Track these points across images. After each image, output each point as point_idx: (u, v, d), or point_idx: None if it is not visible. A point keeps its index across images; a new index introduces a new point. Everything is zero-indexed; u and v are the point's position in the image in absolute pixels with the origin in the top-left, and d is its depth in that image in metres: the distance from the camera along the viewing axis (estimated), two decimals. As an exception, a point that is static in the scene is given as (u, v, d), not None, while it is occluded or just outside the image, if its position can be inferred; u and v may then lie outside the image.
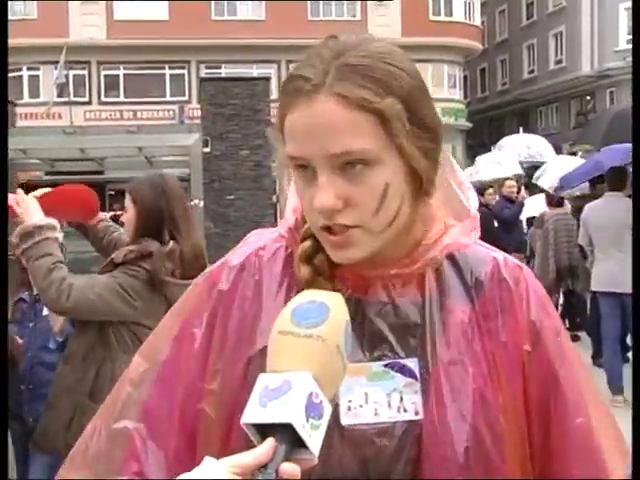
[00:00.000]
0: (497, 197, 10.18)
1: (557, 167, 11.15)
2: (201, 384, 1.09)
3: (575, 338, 8.32)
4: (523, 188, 10.53)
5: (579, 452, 1.09)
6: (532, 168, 13.30)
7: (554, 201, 9.15)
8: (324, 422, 0.86)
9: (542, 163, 12.80)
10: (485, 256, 1.13)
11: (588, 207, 6.65)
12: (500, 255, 1.14)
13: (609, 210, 6.32)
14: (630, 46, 26.42)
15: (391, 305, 1.07)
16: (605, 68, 30.72)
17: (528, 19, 36.54)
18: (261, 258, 1.14)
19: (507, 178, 10.99)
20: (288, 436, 0.84)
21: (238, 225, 14.38)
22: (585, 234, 6.59)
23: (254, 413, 0.85)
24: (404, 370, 1.05)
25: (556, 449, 1.08)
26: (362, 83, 0.97)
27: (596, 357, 7.38)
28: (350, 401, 1.04)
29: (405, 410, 1.03)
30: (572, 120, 32.56)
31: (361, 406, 1.04)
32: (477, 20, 33.19)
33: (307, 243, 1.08)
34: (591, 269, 6.63)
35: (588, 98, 32.33)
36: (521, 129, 17.19)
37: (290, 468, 0.83)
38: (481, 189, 10.53)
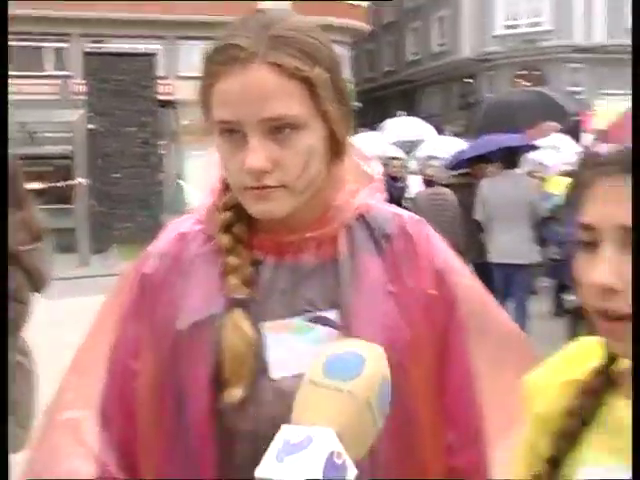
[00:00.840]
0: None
1: (433, 147, 11.47)
2: (134, 365, 1.16)
3: None
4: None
5: (465, 390, 1.21)
6: (413, 148, 13.69)
7: (430, 181, 9.45)
8: None
9: (420, 142, 13.15)
10: (391, 214, 1.23)
11: (484, 183, 6.96)
12: (404, 213, 1.25)
13: (505, 187, 6.69)
14: (508, 31, 27.25)
15: (308, 265, 1.15)
16: (484, 52, 31.78)
17: (414, 2, 37.27)
18: (183, 242, 1.19)
19: (393, 158, 11.29)
20: None
21: (123, 203, 14.13)
22: (483, 209, 6.90)
23: (268, 467, 0.80)
24: (325, 322, 1.12)
25: (448, 385, 1.20)
26: (293, 53, 1.05)
27: None
28: (277, 355, 1.11)
29: None
30: (454, 102, 33.55)
31: (288, 359, 1.10)
32: (363, 2, 33.60)
33: (227, 213, 1.15)
34: (487, 243, 6.95)
35: (470, 81, 33.39)
36: (401, 113, 17.62)
37: None
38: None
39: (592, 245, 0.95)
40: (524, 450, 1.05)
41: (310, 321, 1.13)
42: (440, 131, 14.91)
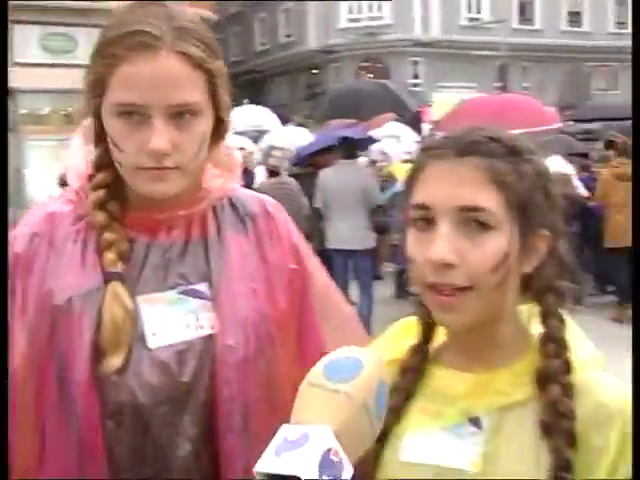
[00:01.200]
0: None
1: (277, 137, 11.46)
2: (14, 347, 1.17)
3: None
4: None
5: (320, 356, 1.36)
6: (259, 138, 13.75)
7: (273, 171, 9.51)
8: None
9: (267, 131, 13.12)
10: (253, 196, 1.36)
11: (323, 173, 7.18)
12: (264, 196, 1.38)
13: (344, 175, 6.94)
14: (351, 24, 27.68)
15: (179, 242, 1.23)
16: (329, 44, 32.36)
17: (259, -7, 37.31)
18: (53, 222, 1.21)
19: (240, 148, 11.30)
20: None
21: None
22: (322, 197, 7.12)
23: (267, 462, 0.82)
24: (196, 294, 1.20)
25: (305, 352, 1.29)
26: (197, 45, 1.14)
27: None
28: (153, 326, 1.17)
29: (202, 327, 1.19)
30: (301, 93, 33.94)
31: (164, 329, 1.17)
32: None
33: (101, 192, 1.20)
34: (326, 230, 7.18)
35: (315, 72, 33.89)
36: (246, 101, 17.58)
37: None
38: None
39: (427, 224, 1.00)
40: None
41: (182, 294, 1.20)
42: (287, 121, 14.94)
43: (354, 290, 7.30)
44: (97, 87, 1.14)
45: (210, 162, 1.27)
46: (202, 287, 1.22)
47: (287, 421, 1.22)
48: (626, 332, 6.69)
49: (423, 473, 1.01)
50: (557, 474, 0.95)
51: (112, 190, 1.20)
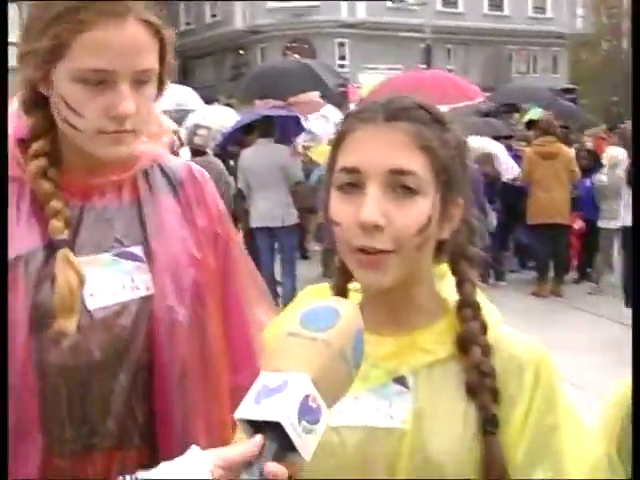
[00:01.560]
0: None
1: (202, 116, 11.19)
2: None
3: None
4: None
5: (242, 316, 1.39)
6: (183, 117, 13.61)
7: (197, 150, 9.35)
8: (319, 428, 0.84)
9: (191, 111, 12.88)
10: (180, 163, 1.40)
11: (244, 153, 7.17)
12: (190, 162, 1.43)
13: (262, 155, 6.94)
14: (278, 4, 27.30)
15: (113, 206, 1.26)
16: (256, 25, 32.15)
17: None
18: None
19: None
20: (279, 436, 0.81)
21: None
22: (243, 178, 7.12)
23: (247, 409, 0.83)
24: (131, 256, 1.24)
25: (229, 313, 1.37)
26: (156, 13, 1.21)
27: None
28: (91, 288, 1.20)
29: (138, 288, 1.22)
30: (228, 73, 33.65)
31: (101, 291, 1.21)
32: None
33: (42, 160, 1.22)
34: (250, 210, 7.18)
35: (242, 52, 33.64)
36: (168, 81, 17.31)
37: (275, 468, 0.81)
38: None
39: (354, 187, 1.01)
40: None
41: (117, 256, 1.23)
42: (213, 102, 14.89)
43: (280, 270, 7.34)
44: (51, 54, 1.15)
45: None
46: (137, 250, 1.25)
47: (219, 381, 1.25)
48: (545, 306, 6.96)
49: (354, 435, 1.03)
50: (484, 428, 1.01)
51: (52, 158, 1.23)
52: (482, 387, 1.02)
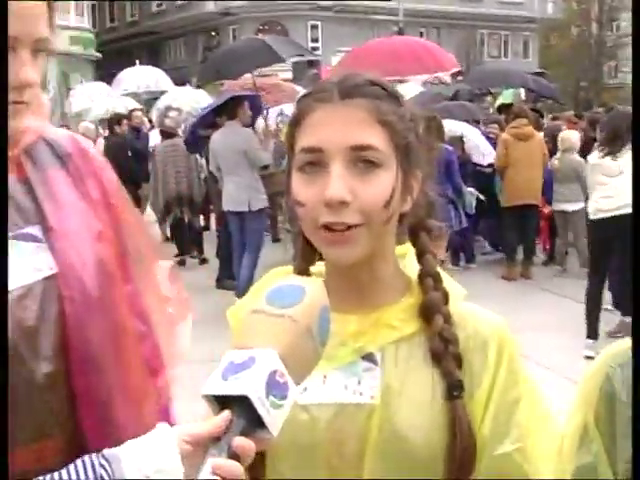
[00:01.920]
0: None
1: (173, 98, 11.41)
2: None
3: (181, 262, 8.71)
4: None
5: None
6: (152, 100, 13.34)
7: (167, 132, 9.10)
8: (287, 404, 0.84)
9: (161, 93, 13.02)
10: (65, 135, 1.31)
11: (213, 136, 7.06)
12: (73, 134, 1.34)
13: (228, 138, 6.82)
14: None
15: None
16: (228, 6, 31.90)
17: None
18: None
19: (134, 109, 10.88)
20: (246, 411, 0.81)
21: None
22: (214, 161, 7.07)
23: (214, 385, 0.82)
24: (29, 237, 1.16)
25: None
26: None
27: (220, 280, 7.78)
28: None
29: (40, 270, 1.15)
30: (199, 55, 33.40)
31: (12, 275, 1.12)
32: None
33: None
34: (222, 192, 7.11)
35: (213, 34, 33.39)
36: (137, 62, 17.06)
37: (243, 442, 0.80)
38: (114, 120, 10.47)
39: (316, 167, 1.01)
40: None
41: (14, 238, 1.16)
42: (184, 84, 14.73)
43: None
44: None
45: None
46: (34, 230, 1.19)
47: (131, 355, 1.22)
48: (515, 288, 6.96)
49: (325, 413, 1.04)
50: (450, 393, 1.03)
51: None
52: (446, 354, 1.05)
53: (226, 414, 0.82)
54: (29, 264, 1.16)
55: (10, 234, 1.16)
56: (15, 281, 1.14)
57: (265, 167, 7.05)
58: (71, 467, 0.78)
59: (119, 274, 1.28)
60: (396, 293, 1.10)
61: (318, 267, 1.14)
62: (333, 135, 1.01)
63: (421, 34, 32.89)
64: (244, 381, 0.81)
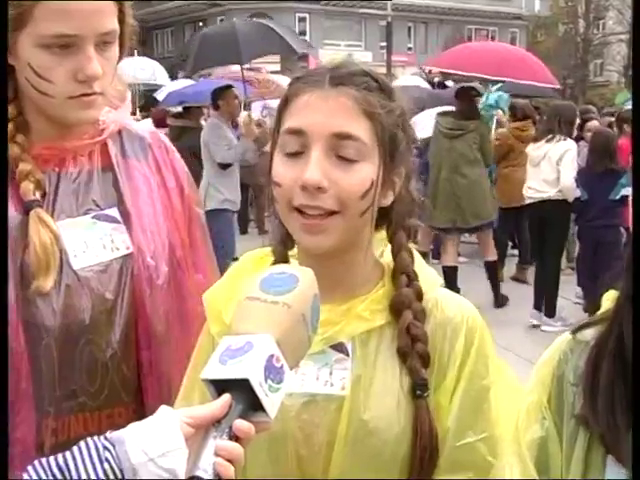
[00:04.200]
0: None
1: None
2: None
3: None
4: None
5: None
6: (150, 91, 13.24)
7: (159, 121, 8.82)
8: (284, 387, 0.86)
9: (158, 86, 12.87)
10: (147, 128, 1.44)
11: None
12: (152, 127, 1.48)
13: (204, 130, 6.69)
14: None
15: (85, 171, 1.29)
16: (216, -3, 31.72)
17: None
18: None
19: None
20: (245, 394, 0.83)
21: None
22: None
23: (213, 369, 0.84)
24: (108, 218, 1.29)
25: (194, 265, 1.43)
26: None
27: None
28: (74, 250, 1.25)
29: (118, 249, 1.28)
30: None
31: (84, 252, 1.25)
32: None
33: (9, 125, 1.23)
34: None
35: (201, 24, 33.19)
36: (136, 52, 16.92)
37: (243, 425, 0.82)
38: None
39: (298, 149, 1.01)
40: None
41: (95, 218, 1.28)
42: (174, 74, 14.65)
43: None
44: (15, 22, 1.18)
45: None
46: (113, 212, 1.30)
47: (196, 330, 1.24)
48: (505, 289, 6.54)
49: (293, 403, 1.04)
50: (414, 392, 1.04)
51: (17, 124, 1.25)
52: (412, 351, 1.05)
53: (227, 397, 0.83)
54: (108, 243, 1.28)
55: (93, 214, 1.28)
56: (96, 257, 1.26)
57: (226, 166, 6.41)
58: (75, 449, 0.80)
59: (189, 261, 1.39)
60: (369, 284, 1.10)
61: (294, 252, 1.13)
62: (317, 120, 1.01)
63: (409, 29, 32.96)
64: (244, 365, 0.83)
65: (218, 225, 6.59)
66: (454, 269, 6.59)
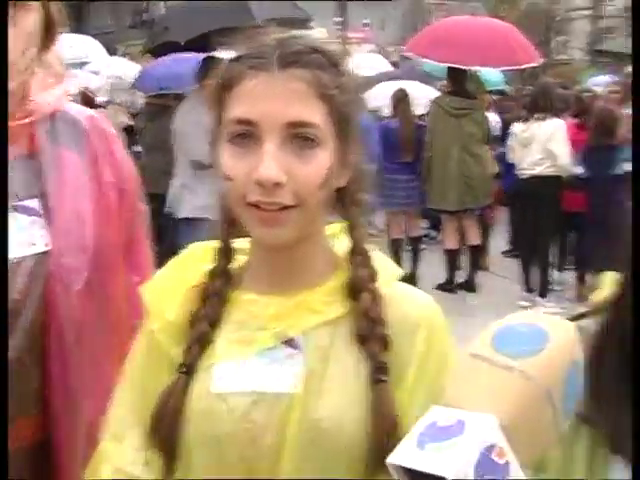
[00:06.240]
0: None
1: (104, 67, 10.67)
2: None
3: None
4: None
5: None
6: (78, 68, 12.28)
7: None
8: None
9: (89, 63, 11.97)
10: (84, 112, 1.38)
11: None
12: (93, 111, 1.41)
13: (178, 114, 5.74)
14: None
15: (10, 156, 1.20)
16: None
17: None
18: None
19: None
20: None
21: None
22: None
23: (406, 454, 0.71)
24: (26, 210, 1.23)
25: (132, 263, 1.42)
26: None
27: None
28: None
29: (34, 244, 1.22)
30: (127, 20, 31.71)
31: (11, 244, 1.18)
32: None
33: None
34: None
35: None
36: (67, 29, 15.87)
37: None
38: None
39: (247, 139, 0.98)
40: (155, 361, 1.06)
41: (14, 210, 1.21)
42: (112, 50, 13.87)
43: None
44: None
45: (40, 68, 1.24)
46: (33, 203, 1.24)
47: (119, 348, 1.22)
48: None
49: (240, 402, 1.01)
50: (374, 377, 1.01)
51: None
52: (372, 335, 1.03)
53: None
54: (24, 237, 1.22)
55: (11, 204, 1.21)
56: (11, 252, 1.19)
57: (205, 165, 5.04)
58: None
59: (123, 262, 1.32)
60: (322, 275, 1.08)
61: (240, 244, 1.09)
62: (269, 109, 0.97)
63: (364, 4, 32.01)
64: (445, 457, 0.68)
65: (195, 236, 5.46)
66: (456, 252, 6.73)
